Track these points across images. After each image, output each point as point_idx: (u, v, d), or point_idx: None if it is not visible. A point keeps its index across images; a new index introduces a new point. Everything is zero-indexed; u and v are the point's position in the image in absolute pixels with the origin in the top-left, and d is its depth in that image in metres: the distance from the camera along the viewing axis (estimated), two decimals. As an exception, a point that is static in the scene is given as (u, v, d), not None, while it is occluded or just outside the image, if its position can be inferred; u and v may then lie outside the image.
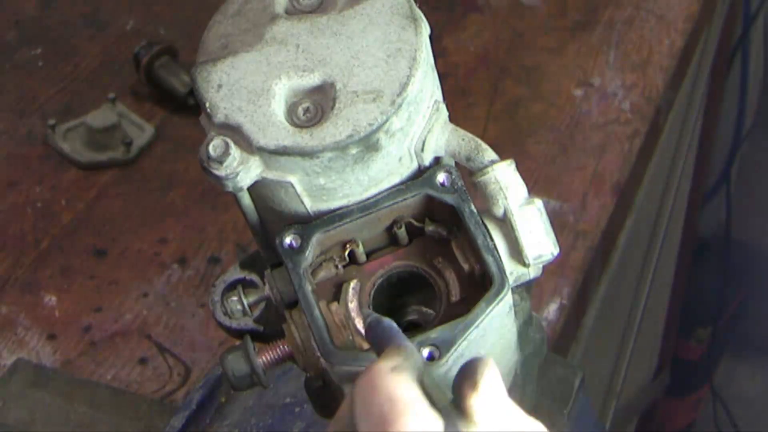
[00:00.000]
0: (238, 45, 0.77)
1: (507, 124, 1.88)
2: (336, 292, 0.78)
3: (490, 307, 0.74)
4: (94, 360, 1.54)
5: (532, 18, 2.10)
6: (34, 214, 1.75)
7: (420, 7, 0.78)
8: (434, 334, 0.73)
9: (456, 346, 0.73)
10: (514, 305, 0.79)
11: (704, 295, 3.12)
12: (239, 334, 0.81)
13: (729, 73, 2.93)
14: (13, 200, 1.78)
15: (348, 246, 0.78)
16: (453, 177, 0.77)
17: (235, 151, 0.74)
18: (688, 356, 3.10)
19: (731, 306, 3.16)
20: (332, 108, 0.74)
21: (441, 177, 0.77)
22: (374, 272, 0.79)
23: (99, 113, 1.85)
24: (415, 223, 0.79)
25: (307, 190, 0.76)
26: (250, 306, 0.80)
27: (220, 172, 0.74)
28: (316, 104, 0.75)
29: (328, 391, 0.81)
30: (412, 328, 0.78)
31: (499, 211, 0.79)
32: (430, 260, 0.79)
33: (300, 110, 0.75)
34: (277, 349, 0.78)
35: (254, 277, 0.82)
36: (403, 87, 0.74)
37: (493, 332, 0.76)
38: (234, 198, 0.79)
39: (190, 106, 1.86)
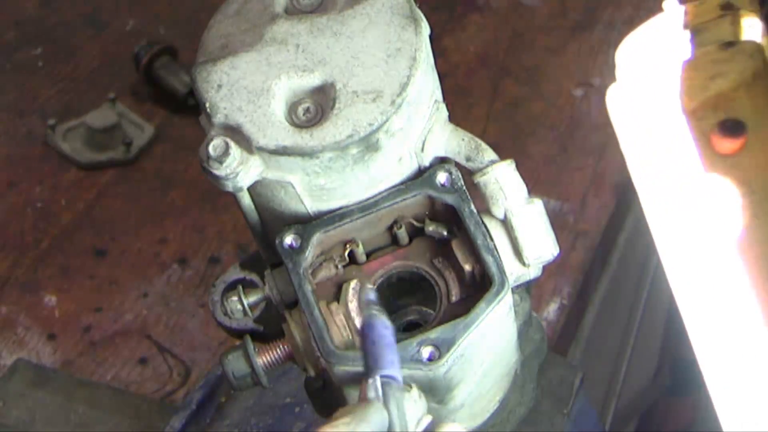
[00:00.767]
0: (238, 45, 0.77)
1: (507, 124, 1.88)
2: (336, 292, 0.78)
3: (490, 307, 0.74)
4: (94, 360, 1.54)
5: (532, 18, 2.10)
6: (34, 214, 1.75)
7: (420, 7, 0.78)
8: (434, 334, 0.73)
9: (456, 346, 0.73)
10: (514, 305, 0.79)
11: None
12: (239, 334, 0.81)
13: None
14: (13, 200, 1.78)
15: (348, 246, 0.78)
16: (453, 177, 0.77)
17: (235, 151, 0.74)
18: (688, 356, 3.10)
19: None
20: (332, 108, 0.74)
21: (441, 177, 0.77)
22: (374, 272, 0.79)
23: (99, 113, 1.85)
24: (415, 223, 0.79)
25: (307, 190, 0.76)
26: (250, 306, 0.80)
27: (220, 172, 0.74)
28: (316, 104, 0.75)
29: (328, 391, 0.81)
30: (412, 328, 0.78)
31: (499, 211, 0.79)
32: (430, 260, 0.79)
33: (300, 110, 0.75)
34: (277, 349, 0.78)
35: (254, 277, 0.82)
36: (403, 87, 0.74)
37: (493, 332, 0.76)
38: (234, 198, 0.78)
39: (190, 106, 1.86)
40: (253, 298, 0.80)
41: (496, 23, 2.08)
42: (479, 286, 0.76)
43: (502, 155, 0.80)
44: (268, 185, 0.76)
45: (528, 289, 0.84)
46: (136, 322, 1.59)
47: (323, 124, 0.74)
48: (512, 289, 0.78)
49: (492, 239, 0.77)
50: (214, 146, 0.74)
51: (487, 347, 0.76)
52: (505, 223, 0.78)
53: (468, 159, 0.79)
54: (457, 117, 0.81)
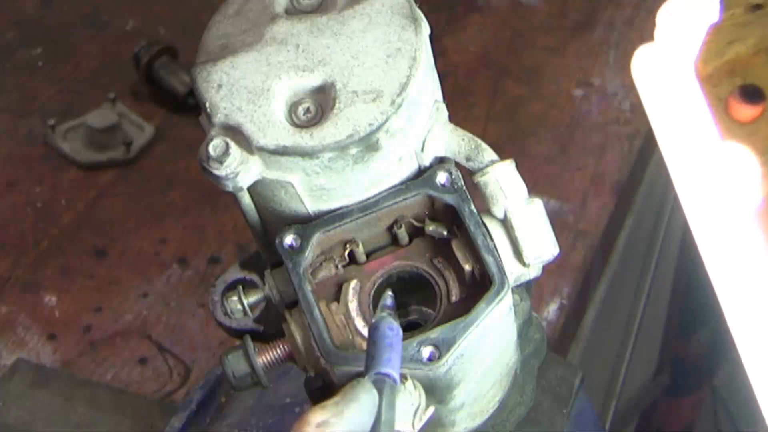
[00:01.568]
0: (238, 45, 0.77)
1: (507, 124, 1.88)
2: (336, 292, 0.78)
3: (490, 307, 0.74)
4: (94, 360, 1.54)
5: (532, 18, 2.10)
6: (34, 214, 1.75)
7: (420, 7, 0.78)
8: (434, 334, 0.73)
9: (456, 346, 0.73)
10: (514, 305, 0.79)
11: (704, 295, 3.11)
12: (239, 334, 0.81)
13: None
14: (13, 200, 1.78)
15: (348, 246, 0.78)
16: (453, 177, 0.77)
17: (235, 151, 0.74)
18: (688, 356, 3.10)
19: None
20: (332, 108, 0.74)
21: (441, 177, 0.77)
22: (374, 272, 0.79)
23: (99, 113, 1.85)
24: (416, 223, 0.79)
25: (307, 190, 0.76)
26: (250, 306, 0.80)
27: (220, 172, 0.74)
28: (317, 104, 0.75)
29: (328, 391, 0.81)
30: (412, 328, 0.78)
31: (499, 211, 0.79)
32: (430, 260, 0.79)
33: (300, 110, 0.75)
34: (277, 349, 0.78)
35: (254, 277, 0.82)
36: (403, 87, 0.74)
37: (493, 332, 0.76)
38: (234, 198, 0.78)
39: (190, 106, 1.86)
40: (253, 298, 0.80)
41: (496, 23, 2.08)
42: (479, 286, 0.76)
43: (502, 155, 0.80)
44: (268, 185, 0.76)
45: (528, 289, 0.84)
46: (136, 322, 1.59)
47: (323, 124, 0.74)
48: (512, 289, 0.78)
49: (492, 239, 0.77)
50: (214, 146, 0.74)
51: (487, 347, 0.76)
52: (505, 223, 0.78)
53: (468, 159, 0.79)
54: (457, 117, 0.81)
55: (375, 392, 0.66)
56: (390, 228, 0.79)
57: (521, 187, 0.79)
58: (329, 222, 0.77)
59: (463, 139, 0.79)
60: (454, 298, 0.78)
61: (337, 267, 0.79)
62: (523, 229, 0.78)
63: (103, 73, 1.98)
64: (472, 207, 0.77)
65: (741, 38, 0.89)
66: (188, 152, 1.80)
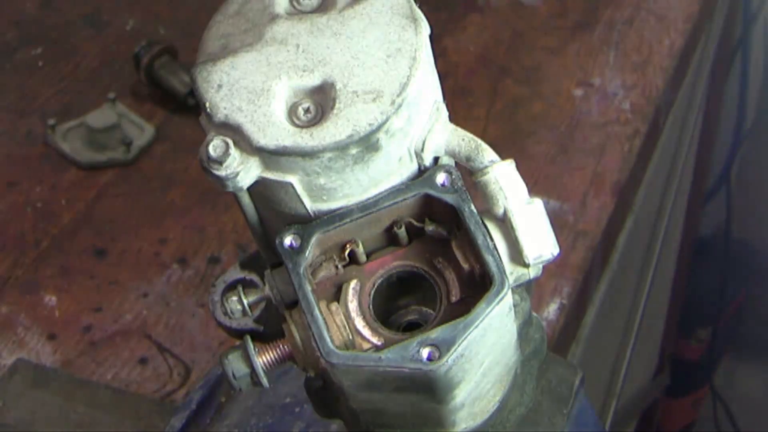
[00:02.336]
0: (238, 45, 0.77)
1: (507, 124, 1.89)
2: (336, 292, 0.78)
3: (490, 307, 0.74)
4: (94, 360, 1.54)
5: (532, 18, 2.10)
6: (34, 214, 1.75)
7: (420, 7, 0.78)
8: (434, 334, 0.73)
9: (456, 346, 0.73)
10: (514, 305, 0.79)
11: (704, 295, 3.12)
12: (239, 334, 0.81)
13: (729, 73, 2.93)
14: (13, 200, 1.78)
15: (348, 246, 0.78)
16: (453, 177, 0.77)
17: (235, 151, 0.74)
18: (688, 356, 3.10)
19: (731, 306, 3.16)
20: (332, 108, 0.74)
21: (441, 177, 0.77)
22: (374, 272, 0.79)
23: (99, 113, 1.85)
24: (415, 223, 0.79)
25: (307, 190, 0.76)
26: (250, 306, 0.80)
27: (220, 172, 0.74)
28: (317, 104, 0.75)
29: (328, 391, 0.81)
30: (412, 328, 0.78)
31: (499, 211, 0.79)
32: (430, 260, 0.79)
33: (300, 110, 0.75)
34: (277, 349, 0.78)
35: (254, 277, 0.82)
36: (403, 87, 0.74)
37: (493, 332, 0.76)
38: (234, 198, 0.78)
39: (190, 106, 1.86)
40: (253, 298, 0.80)
41: (496, 23, 2.08)
42: (479, 286, 0.76)
43: (502, 155, 0.80)
44: (268, 185, 0.76)
45: (528, 289, 0.84)
46: (136, 322, 1.59)
47: (323, 124, 0.74)
48: (512, 289, 0.78)
49: (492, 239, 0.77)
50: (214, 146, 0.74)
51: (487, 347, 0.76)
52: (505, 223, 0.78)
53: (468, 159, 0.79)
54: (457, 117, 0.81)
55: None
56: (390, 228, 0.79)
57: (521, 187, 0.79)
58: (329, 222, 0.77)
59: (463, 139, 0.79)
60: (454, 298, 0.78)
61: (337, 267, 0.79)
62: (523, 229, 0.78)
63: (103, 73, 1.99)
64: (472, 207, 0.77)
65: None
66: (188, 152, 1.81)
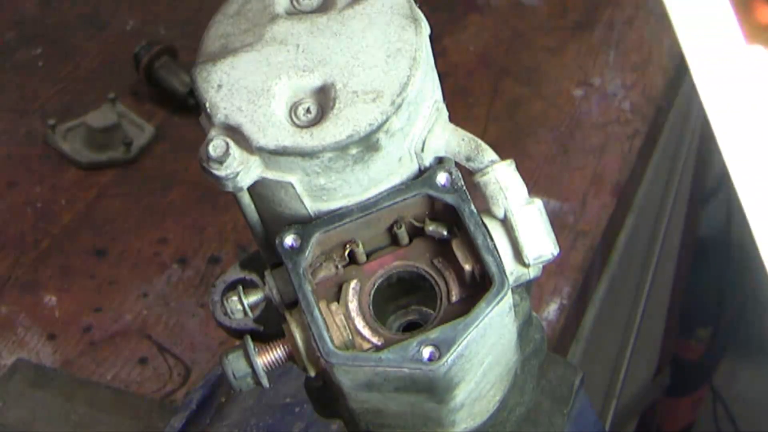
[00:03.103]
0: (238, 45, 0.77)
1: (507, 124, 1.89)
2: (336, 292, 0.78)
3: (490, 307, 0.74)
4: (94, 360, 1.54)
5: (532, 18, 2.10)
6: (34, 214, 1.75)
7: (420, 7, 0.78)
8: (434, 334, 0.73)
9: (456, 346, 0.73)
10: (514, 305, 0.79)
11: (704, 295, 3.12)
12: (239, 334, 0.81)
13: (729, 73, 2.92)
14: (13, 200, 1.78)
15: (348, 246, 0.78)
16: (453, 177, 0.77)
17: (235, 151, 0.74)
18: (688, 356, 3.10)
19: (731, 306, 3.16)
20: (332, 108, 0.74)
21: (441, 177, 0.77)
22: (374, 272, 0.79)
23: (99, 113, 1.85)
24: (416, 223, 0.79)
25: (307, 190, 0.76)
26: (250, 306, 0.80)
27: (220, 172, 0.74)
28: (317, 104, 0.75)
29: (328, 391, 0.81)
30: (412, 328, 0.78)
31: (499, 211, 0.79)
32: (430, 260, 0.79)
33: (300, 110, 0.75)
34: (277, 349, 0.78)
35: (254, 277, 0.82)
36: (403, 87, 0.74)
37: (493, 332, 0.76)
38: (234, 198, 0.78)
39: (190, 106, 1.86)
40: (253, 298, 0.80)
41: (496, 23, 2.08)
42: (479, 286, 0.76)
43: (502, 155, 0.80)
44: (268, 185, 0.76)
45: (528, 288, 0.84)
46: (136, 322, 1.59)
47: (323, 124, 0.74)
48: (512, 289, 0.78)
49: (492, 239, 0.77)
50: (215, 146, 0.74)
51: (487, 347, 0.76)
52: (505, 223, 0.78)
53: (468, 159, 0.79)
54: (457, 117, 0.81)
55: None
56: (390, 228, 0.79)
57: (521, 187, 0.79)
58: (329, 222, 0.77)
59: (463, 139, 0.79)
60: (454, 298, 0.78)
61: (337, 267, 0.79)
62: (523, 229, 0.78)
63: (103, 73, 1.99)
64: (472, 207, 0.77)
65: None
66: (188, 152, 1.81)
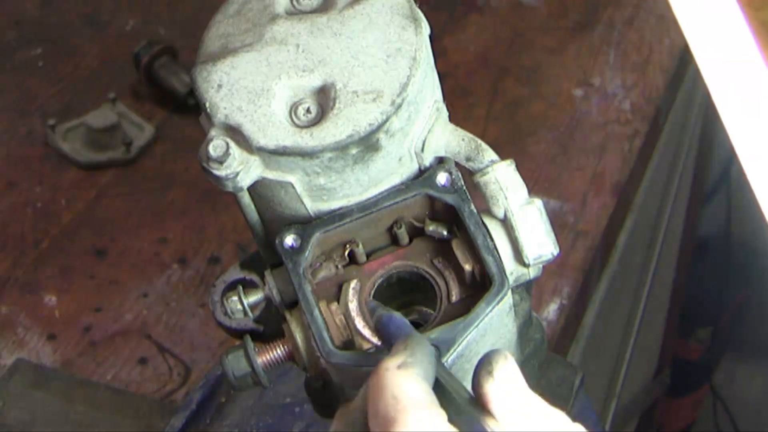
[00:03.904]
0: (238, 45, 0.77)
1: (507, 124, 1.88)
2: (336, 292, 0.78)
3: (490, 307, 0.74)
4: (94, 360, 1.54)
5: (532, 18, 2.10)
6: (34, 214, 1.75)
7: (420, 7, 0.78)
8: (434, 334, 0.73)
9: (456, 346, 0.73)
10: (514, 305, 0.79)
11: (704, 295, 3.11)
12: (239, 334, 0.81)
13: (729, 73, 2.92)
14: (13, 200, 1.78)
15: (348, 246, 0.78)
16: (453, 177, 0.77)
17: (235, 151, 0.74)
18: (688, 356, 3.10)
19: (731, 306, 3.16)
20: (332, 108, 0.74)
21: (441, 177, 0.77)
22: (374, 272, 0.79)
23: (99, 113, 1.85)
24: (416, 223, 0.79)
25: (307, 190, 0.76)
26: (250, 306, 0.80)
27: (220, 172, 0.74)
28: (317, 104, 0.75)
29: (328, 391, 0.81)
30: (412, 328, 0.78)
31: (499, 212, 0.79)
32: (430, 260, 0.79)
33: (300, 110, 0.75)
34: (277, 349, 0.78)
35: (254, 277, 0.82)
36: (403, 87, 0.74)
37: (493, 332, 0.76)
38: (234, 198, 0.78)
39: (190, 106, 1.86)
40: (253, 298, 0.80)
41: (496, 23, 2.08)
42: (479, 286, 0.76)
43: (502, 155, 0.80)
44: (268, 185, 0.76)
45: (528, 288, 0.84)
46: (136, 322, 1.59)
47: (323, 124, 0.74)
48: (512, 289, 0.78)
49: (492, 239, 0.77)
50: (215, 146, 0.74)
51: (487, 347, 0.76)
52: (505, 223, 0.78)
53: (468, 159, 0.79)
54: (457, 117, 0.81)
55: (431, 347, 0.65)
56: (390, 228, 0.79)
57: (521, 187, 0.79)
58: (329, 222, 0.77)
59: (463, 139, 0.79)
60: (454, 298, 0.78)
61: (337, 267, 0.79)
62: (523, 229, 0.78)
63: (103, 73, 1.98)
64: (472, 207, 0.77)
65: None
66: (188, 152, 1.81)
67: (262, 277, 0.80)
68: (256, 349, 0.78)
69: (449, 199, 0.77)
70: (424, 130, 0.78)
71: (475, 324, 0.73)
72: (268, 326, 0.81)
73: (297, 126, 0.74)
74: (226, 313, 0.81)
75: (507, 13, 2.10)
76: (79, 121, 1.85)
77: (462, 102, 1.89)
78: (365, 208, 0.77)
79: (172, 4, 2.12)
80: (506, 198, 0.78)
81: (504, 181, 0.78)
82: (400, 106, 0.74)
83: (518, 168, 0.80)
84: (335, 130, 0.73)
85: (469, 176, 0.79)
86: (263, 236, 0.82)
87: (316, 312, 0.75)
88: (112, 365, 1.53)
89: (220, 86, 0.76)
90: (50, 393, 1.39)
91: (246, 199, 0.78)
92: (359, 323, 0.77)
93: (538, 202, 0.79)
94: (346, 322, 0.76)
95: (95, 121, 1.83)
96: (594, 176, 1.78)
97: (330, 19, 0.78)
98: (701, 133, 2.67)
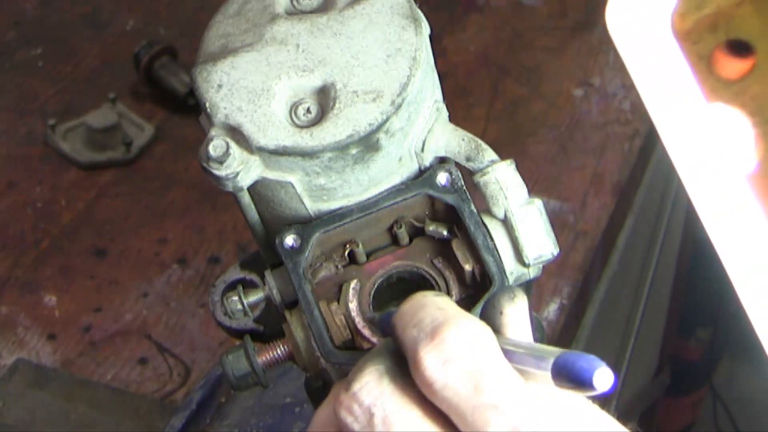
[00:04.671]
0: (238, 45, 0.77)
1: (507, 124, 1.89)
2: (336, 292, 0.78)
3: (490, 307, 0.74)
4: (94, 360, 1.54)
5: (532, 18, 2.10)
6: (34, 214, 1.75)
7: (420, 7, 0.78)
8: (434, 334, 0.73)
9: (456, 346, 0.73)
10: (514, 305, 0.79)
11: (704, 295, 3.12)
12: (239, 334, 0.81)
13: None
14: (13, 200, 1.78)
15: (348, 246, 0.78)
16: (453, 177, 0.77)
17: (235, 151, 0.74)
18: (688, 356, 3.10)
19: (731, 306, 3.16)
20: (332, 108, 0.74)
21: (441, 177, 0.77)
22: (374, 272, 0.79)
23: (99, 113, 1.85)
24: (416, 223, 0.79)
25: (307, 190, 0.76)
26: (250, 306, 0.80)
27: (220, 172, 0.74)
28: (317, 104, 0.75)
29: (328, 391, 0.81)
30: (412, 328, 0.78)
31: (499, 211, 0.79)
32: (430, 260, 0.79)
33: (300, 110, 0.75)
34: (277, 349, 0.78)
35: (254, 277, 0.82)
36: (403, 87, 0.74)
37: (493, 332, 0.76)
38: (234, 198, 0.78)
39: (190, 106, 1.86)
40: (253, 298, 0.80)
41: (496, 23, 2.08)
42: (479, 286, 0.76)
43: (502, 155, 0.80)
44: (268, 185, 0.76)
45: (528, 289, 0.84)
46: (136, 322, 1.59)
47: (323, 124, 0.74)
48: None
49: (492, 239, 0.77)
50: (215, 146, 0.74)
51: (487, 347, 0.76)
52: (505, 223, 0.78)
53: (468, 159, 0.79)
54: (457, 117, 0.81)
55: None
56: (390, 228, 0.79)
57: (521, 187, 0.79)
58: (329, 222, 0.77)
59: (463, 139, 0.79)
60: (454, 298, 0.78)
61: (337, 267, 0.79)
62: (523, 229, 0.78)
63: (103, 73, 1.99)
64: (472, 207, 0.77)
65: (723, -11, 0.83)
66: (188, 152, 1.81)
67: (262, 277, 0.80)
68: (256, 349, 0.78)
69: (449, 199, 0.77)
70: (424, 130, 0.78)
71: (475, 324, 0.73)
72: (268, 326, 0.81)
73: (297, 126, 0.74)
74: (226, 313, 0.81)
75: (507, 13, 2.10)
76: (79, 121, 1.85)
77: (462, 102, 1.89)
78: (365, 208, 0.77)
79: (172, 4, 2.12)
80: (506, 198, 0.78)
81: (504, 181, 0.78)
82: (400, 106, 0.74)
83: (518, 168, 0.80)
84: (335, 130, 0.73)
85: (469, 176, 0.79)
86: (263, 236, 0.82)
87: (316, 312, 0.75)
88: (112, 365, 1.53)
89: (220, 86, 0.76)
90: (50, 393, 1.39)
91: (246, 199, 0.78)
92: (359, 323, 0.77)
93: (538, 202, 0.79)
94: (346, 322, 0.76)
95: (95, 121, 1.83)
96: (594, 176, 1.78)
97: (330, 19, 0.78)
98: (701, 133, 2.67)
